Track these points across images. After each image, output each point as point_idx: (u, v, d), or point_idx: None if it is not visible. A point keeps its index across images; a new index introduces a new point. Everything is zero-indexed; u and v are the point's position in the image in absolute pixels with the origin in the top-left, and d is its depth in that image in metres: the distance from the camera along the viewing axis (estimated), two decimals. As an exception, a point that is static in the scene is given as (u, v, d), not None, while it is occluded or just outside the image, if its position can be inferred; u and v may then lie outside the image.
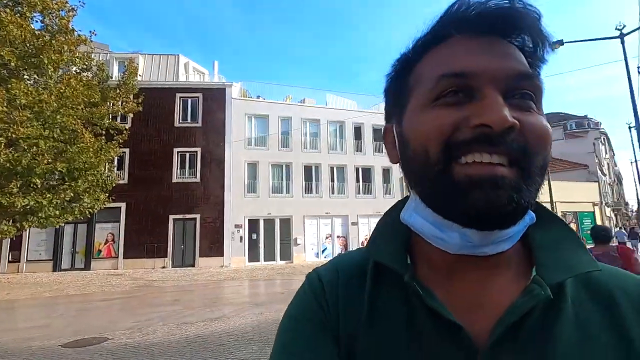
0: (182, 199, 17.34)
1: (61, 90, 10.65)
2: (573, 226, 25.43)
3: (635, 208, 59.42)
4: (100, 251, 16.74)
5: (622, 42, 13.65)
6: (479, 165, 0.35)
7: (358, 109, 21.83)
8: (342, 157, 20.23)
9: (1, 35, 9.48)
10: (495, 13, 0.38)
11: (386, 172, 20.95)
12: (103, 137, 11.97)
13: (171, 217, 17.15)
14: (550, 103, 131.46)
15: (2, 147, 8.72)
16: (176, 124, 17.91)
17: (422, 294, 0.39)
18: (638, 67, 14.48)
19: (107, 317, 7.35)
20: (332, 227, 19.41)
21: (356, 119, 20.76)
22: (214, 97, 18.39)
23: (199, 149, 17.84)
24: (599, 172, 29.78)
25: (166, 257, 16.90)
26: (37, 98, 9.58)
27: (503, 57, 0.38)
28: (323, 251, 19.01)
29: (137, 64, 16.23)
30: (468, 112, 0.36)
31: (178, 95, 18.08)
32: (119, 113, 13.25)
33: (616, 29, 13.78)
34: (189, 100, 18.28)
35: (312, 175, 19.45)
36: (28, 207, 9.88)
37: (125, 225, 16.80)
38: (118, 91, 13.13)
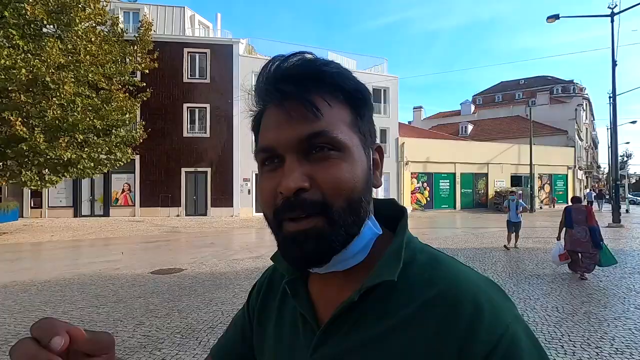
0: (192, 153, 18.35)
1: (88, 48, 11.15)
2: (547, 187, 27.96)
3: (606, 170, 63.71)
4: (117, 199, 17.95)
5: (612, 21, 14.71)
6: (291, 223, 0.44)
7: (358, 70, 22.48)
8: (343, 117, 21.27)
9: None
10: (265, 86, 0.46)
11: (383, 133, 22.23)
12: (127, 95, 12.63)
13: (183, 169, 18.28)
14: (536, 64, 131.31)
15: (55, 106, 9.50)
16: (185, 80, 18.36)
17: (288, 293, 0.53)
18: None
19: (163, 255, 8.82)
20: (331, 182, 21.03)
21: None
22: (222, 54, 18.70)
23: (207, 105, 18.51)
24: (576, 137, 31.84)
25: (180, 206, 18.29)
26: (73, 58, 10.16)
27: (296, 123, 0.44)
28: (323, 204, 20.79)
29: (148, 17, 16.23)
30: (279, 180, 0.44)
31: (186, 50, 18.31)
32: (138, 70, 13.67)
33: (608, 7, 14.73)
34: (197, 56, 18.56)
35: (314, 134, 20.56)
36: (69, 159, 10.86)
37: (140, 177, 17.89)
38: (135, 47, 13.49)
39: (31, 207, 17.14)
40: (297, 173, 0.43)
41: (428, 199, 23.58)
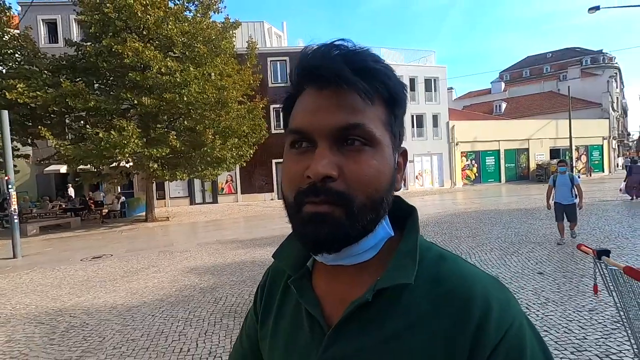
0: (279, 146, 21.71)
1: (227, 71, 14.47)
2: (583, 158, 30.18)
3: (635, 137, 64.16)
4: (223, 189, 21.71)
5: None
6: (312, 206, 0.45)
7: (409, 63, 25.20)
8: (400, 106, 24.22)
9: (202, 36, 13.11)
10: (317, 66, 0.46)
11: (435, 118, 25.06)
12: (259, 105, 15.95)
13: (273, 160, 21.82)
14: (557, 28, 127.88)
15: (230, 119, 12.99)
16: (269, 85, 21.64)
17: (295, 292, 0.53)
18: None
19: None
20: (393, 164, 24.24)
21: (410, 72, 24.30)
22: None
23: (289, 105, 21.79)
24: (610, 109, 33.59)
25: (272, 191, 21.90)
26: (231, 79, 13.52)
27: (335, 111, 0.45)
28: (387, 184, 24.11)
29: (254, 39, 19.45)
30: (307, 163, 0.45)
31: (269, 59, 21.52)
32: (252, 83, 16.89)
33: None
34: (278, 63, 21.75)
35: (377, 123, 23.63)
36: (222, 157, 14.37)
37: (239, 168, 21.51)
38: (248, 65, 16.72)
39: (156, 199, 21.04)
40: (328, 160, 0.44)
41: (476, 174, 26.43)
